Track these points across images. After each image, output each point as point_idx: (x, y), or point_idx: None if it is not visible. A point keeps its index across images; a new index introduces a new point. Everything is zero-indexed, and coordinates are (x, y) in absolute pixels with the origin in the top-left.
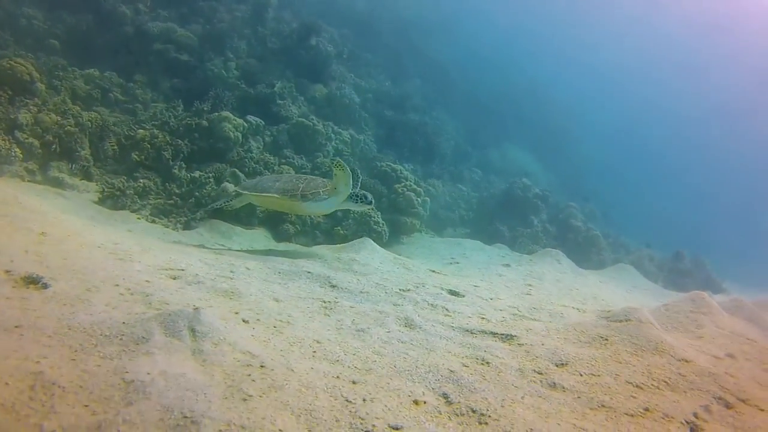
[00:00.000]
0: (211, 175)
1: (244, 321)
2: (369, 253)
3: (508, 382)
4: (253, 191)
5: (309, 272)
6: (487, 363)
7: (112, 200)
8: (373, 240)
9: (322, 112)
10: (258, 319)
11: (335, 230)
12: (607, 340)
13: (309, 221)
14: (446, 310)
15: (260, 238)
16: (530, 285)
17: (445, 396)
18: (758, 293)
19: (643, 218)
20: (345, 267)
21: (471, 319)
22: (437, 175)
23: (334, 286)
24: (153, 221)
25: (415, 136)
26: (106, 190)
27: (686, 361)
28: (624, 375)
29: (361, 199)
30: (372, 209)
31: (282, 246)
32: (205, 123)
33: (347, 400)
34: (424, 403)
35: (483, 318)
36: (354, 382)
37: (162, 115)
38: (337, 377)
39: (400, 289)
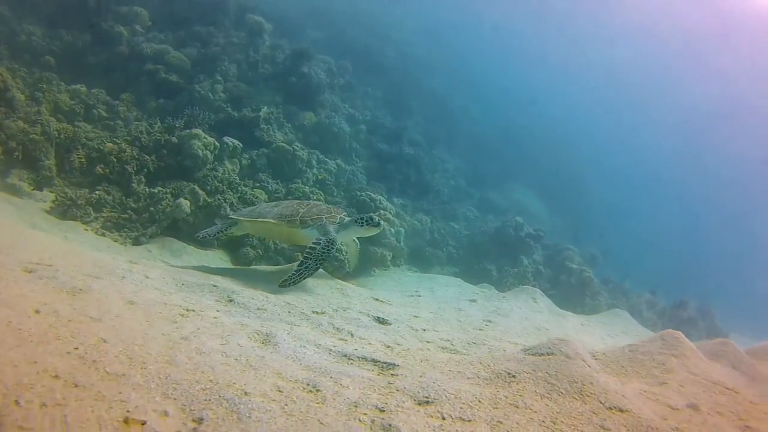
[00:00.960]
0: (168, 191)
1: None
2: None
3: (315, 418)
4: (248, 217)
5: (215, 286)
6: (316, 391)
7: (62, 210)
8: (334, 269)
9: (310, 140)
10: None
11: (296, 255)
12: (514, 377)
13: (272, 246)
14: (350, 335)
15: (214, 259)
16: (489, 321)
17: (198, 420)
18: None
19: (655, 264)
20: (261, 286)
21: (369, 346)
22: (427, 211)
23: (231, 301)
24: (102, 234)
25: (408, 171)
26: (58, 199)
27: (619, 411)
28: (510, 424)
29: (367, 221)
30: (380, 230)
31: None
32: (174, 140)
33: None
34: (142, 424)
35: (388, 347)
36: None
37: (135, 130)
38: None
39: (313, 311)
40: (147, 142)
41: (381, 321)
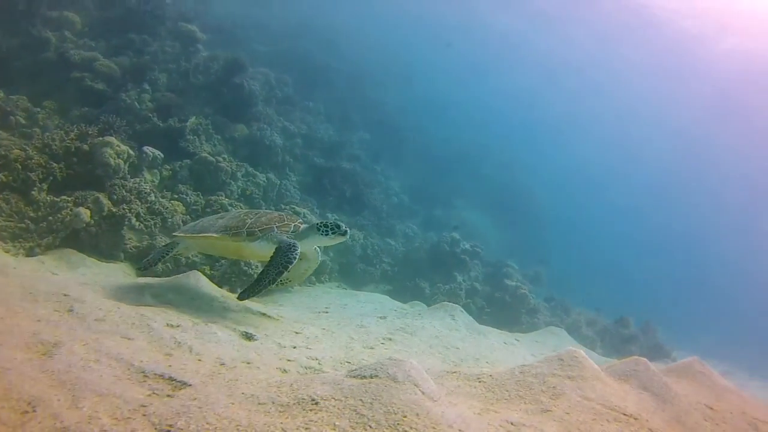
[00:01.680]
0: (71, 200)
1: None
2: (184, 287)
3: None
4: (190, 233)
5: (66, 295)
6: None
7: None
8: (242, 284)
9: (240, 153)
10: None
11: (202, 269)
12: (317, 404)
13: (183, 260)
14: (190, 349)
15: (115, 272)
16: (389, 339)
17: None
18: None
19: (605, 282)
20: (131, 298)
21: (196, 363)
22: (361, 227)
23: (70, 311)
24: None
25: (344, 186)
26: None
27: None
28: None
29: (331, 229)
30: (347, 239)
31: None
32: (86, 147)
33: None
34: None
35: (222, 364)
36: None
37: (48, 137)
38: None
39: (167, 324)
40: (58, 150)
41: (247, 337)
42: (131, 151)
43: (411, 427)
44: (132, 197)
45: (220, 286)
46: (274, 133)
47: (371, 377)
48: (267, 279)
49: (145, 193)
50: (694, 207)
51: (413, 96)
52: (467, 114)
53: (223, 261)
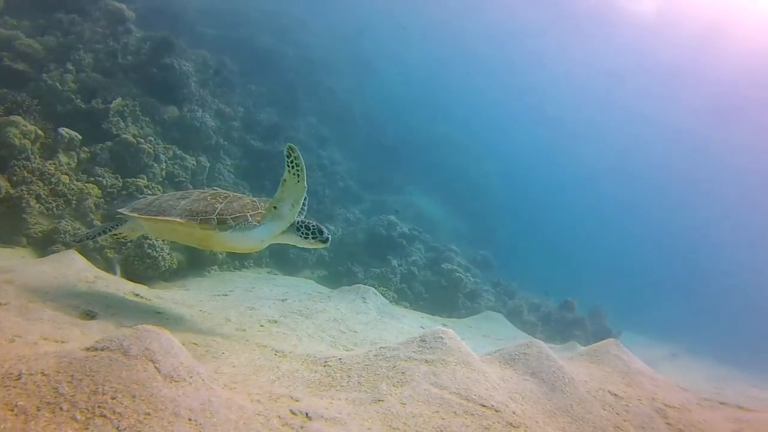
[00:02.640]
0: None
1: None
2: (49, 266)
3: None
4: (144, 214)
5: None
6: None
7: None
8: (146, 267)
9: (170, 135)
10: None
11: (106, 253)
12: (19, 379)
13: (128, 244)
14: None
15: (9, 258)
16: (275, 321)
17: None
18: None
19: (557, 268)
20: None
21: None
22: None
23: None
24: None
25: (281, 169)
26: None
27: None
28: None
29: (313, 233)
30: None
31: None
32: None
33: None
34: None
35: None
36: None
37: None
38: None
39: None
40: None
41: (88, 315)
42: (40, 132)
43: (115, 412)
44: (34, 179)
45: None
46: (206, 115)
47: (102, 349)
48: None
49: (49, 174)
50: (657, 192)
51: (367, 83)
52: (423, 101)
53: (129, 244)
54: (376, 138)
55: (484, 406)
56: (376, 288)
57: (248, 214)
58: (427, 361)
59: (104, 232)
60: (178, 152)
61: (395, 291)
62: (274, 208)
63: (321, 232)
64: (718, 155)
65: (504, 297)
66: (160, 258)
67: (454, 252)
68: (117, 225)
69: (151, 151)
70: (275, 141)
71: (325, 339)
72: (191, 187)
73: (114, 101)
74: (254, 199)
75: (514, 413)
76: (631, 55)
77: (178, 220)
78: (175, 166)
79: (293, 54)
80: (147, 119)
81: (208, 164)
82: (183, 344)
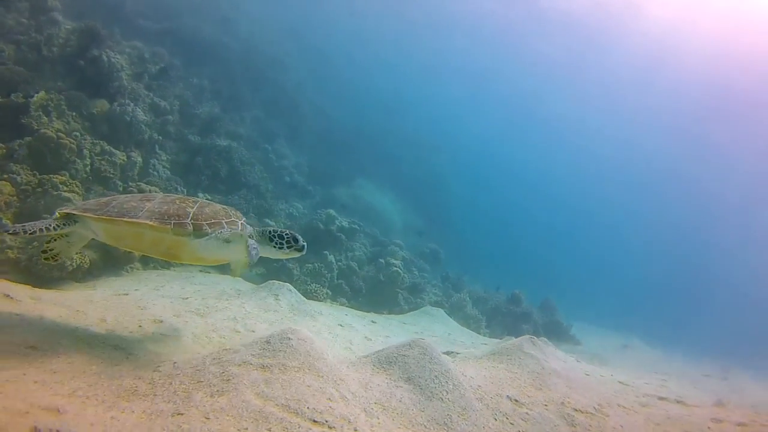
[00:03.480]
0: None
1: None
2: None
3: None
4: (105, 215)
5: None
6: None
7: None
8: (51, 267)
9: (99, 130)
10: None
11: (7, 253)
12: None
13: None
14: None
15: None
16: (160, 321)
17: None
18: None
19: (512, 261)
20: None
21: None
22: (234, 206)
23: None
24: None
25: (218, 164)
26: None
27: None
28: None
29: (288, 242)
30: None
31: None
32: None
33: None
34: None
35: None
36: None
37: None
38: None
39: None
40: None
41: None
42: None
43: None
44: None
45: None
46: (137, 109)
47: None
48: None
49: None
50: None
51: (319, 76)
52: (377, 94)
53: (35, 243)
54: (327, 131)
55: (315, 421)
56: (308, 284)
57: (223, 221)
58: (263, 366)
59: (47, 230)
60: (107, 147)
61: (330, 287)
62: (249, 239)
63: (296, 240)
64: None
65: (451, 291)
66: (64, 266)
67: (398, 246)
68: (64, 224)
69: (73, 146)
70: (213, 134)
71: (212, 340)
72: (119, 183)
73: (36, 95)
74: (225, 207)
75: (356, 430)
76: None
77: (148, 222)
78: (103, 162)
79: (238, 47)
80: (74, 114)
81: (140, 159)
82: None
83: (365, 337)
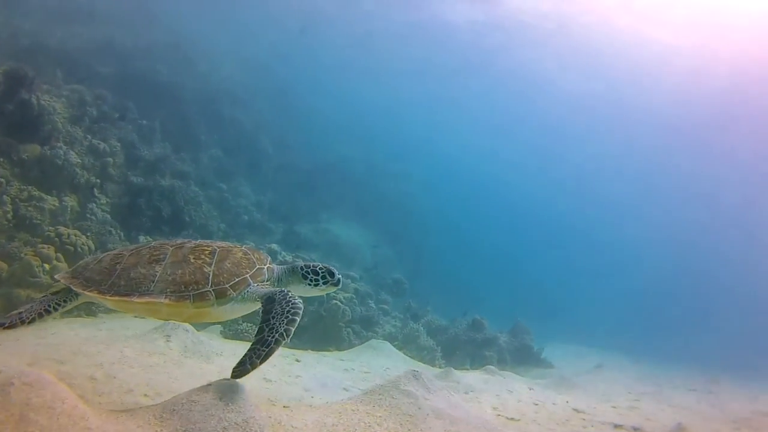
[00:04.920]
0: None
1: None
2: None
3: None
4: (114, 294)
5: None
6: None
7: None
8: None
9: (30, 176)
10: None
11: None
12: None
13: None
14: None
15: None
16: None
17: None
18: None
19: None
20: None
21: None
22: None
23: None
24: None
25: (161, 204)
26: None
27: None
28: None
29: (323, 277)
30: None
31: None
32: None
33: None
34: None
35: None
36: None
37: None
38: None
39: None
40: None
41: None
42: None
43: None
44: None
45: None
46: (70, 152)
47: None
48: (267, 348)
49: None
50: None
51: (279, 112)
52: (333, 123)
53: None
54: (290, 166)
55: None
56: (240, 324)
57: (248, 276)
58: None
59: (47, 312)
60: (35, 193)
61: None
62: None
63: (332, 275)
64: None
65: (410, 322)
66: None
67: (350, 278)
68: (65, 302)
69: None
70: (157, 175)
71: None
72: (45, 228)
73: None
74: (245, 249)
75: None
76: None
77: (163, 301)
78: (29, 208)
79: (194, 86)
80: (2, 159)
81: (75, 204)
82: None
83: (264, 379)
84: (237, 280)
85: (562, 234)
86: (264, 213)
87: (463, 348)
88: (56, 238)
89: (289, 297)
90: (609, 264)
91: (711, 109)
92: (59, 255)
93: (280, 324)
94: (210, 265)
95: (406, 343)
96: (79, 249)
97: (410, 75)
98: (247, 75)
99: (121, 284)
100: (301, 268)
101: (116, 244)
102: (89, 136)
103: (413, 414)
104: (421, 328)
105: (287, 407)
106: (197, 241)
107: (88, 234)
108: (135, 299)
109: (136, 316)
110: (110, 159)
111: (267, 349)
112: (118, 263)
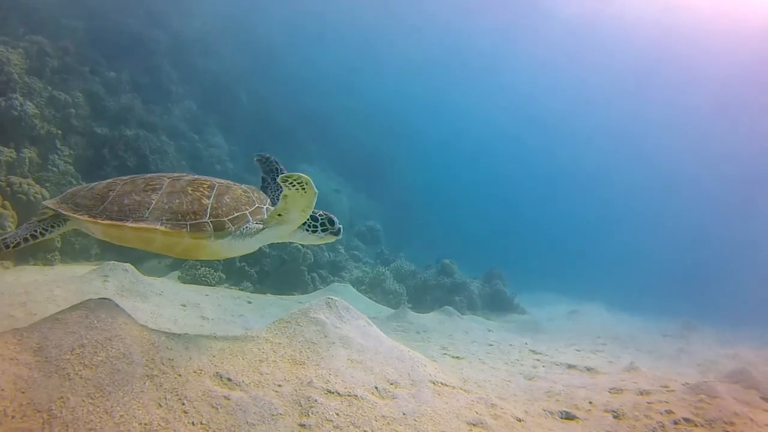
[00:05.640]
0: None
1: None
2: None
3: None
4: (104, 217)
5: None
6: None
7: None
8: None
9: None
10: None
11: None
12: None
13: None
14: None
15: None
16: None
17: None
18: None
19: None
20: None
21: None
22: None
23: None
24: None
25: (125, 154)
26: None
27: None
28: None
29: (323, 224)
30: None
31: None
32: None
33: None
34: None
35: None
36: None
37: None
38: None
39: None
40: None
41: None
42: None
43: None
44: None
45: None
46: (27, 103)
47: None
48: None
49: None
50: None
51: (257, 63)
52: (322, 73)
53: None
54: (268, 119)
55: None
56: (198, 268)
57: (247, 212)
58: None
59: (33, 238)
60: None
61: (225, 271)
62: (279, 215)
63: (332, 223)
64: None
65: (379, 267)
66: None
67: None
68: (52, 226)
69: None
70: (122, 125)
71: None
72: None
73: None
74: (244, 187)
75: None
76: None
77: (159, 227)
78: None
79: (167, 39)
80: None
81: (34, 155)
82: None
83: (201, 317)
84: (236, 214)
85: (556, 185)
86: (238, 164)
87: (432, 293)
88: (7, 188)
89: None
90: (601, 218)
91: None
92: (6, 203)
93: None
94: (209, 197)
95: (372, 287)
96: (32, 198)
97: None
98: (222, 27)
99: (114, 209)
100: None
101: None
102: (50, 88)
103: (316, 342)
104: (388, 273)
105: (179, 335)
106: (195, 176)
107: (47, 185)
108: (129, 224)
109: (96, 265)
110: (73, 110)
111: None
112: (111, 190)
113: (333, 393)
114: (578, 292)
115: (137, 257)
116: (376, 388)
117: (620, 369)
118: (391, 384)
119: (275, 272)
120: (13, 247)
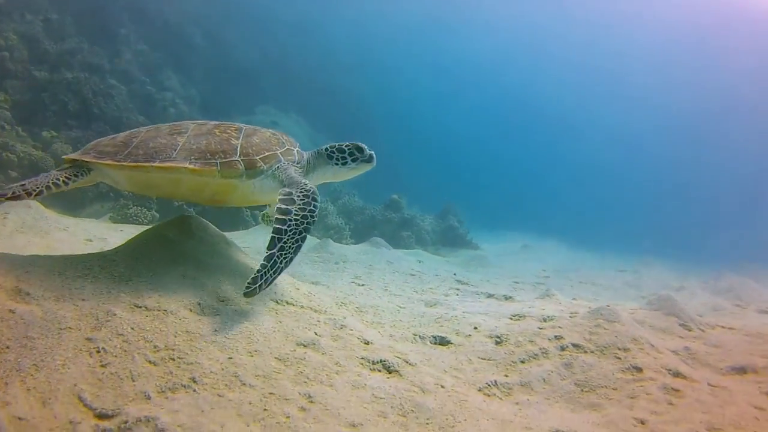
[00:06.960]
0: None
1: None
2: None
3: None
4: (130, 161)
5: None
6: None
7: None
8: None
9: None
10: None
11: None
12: None
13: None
14: None
15: None
16: None
17: None
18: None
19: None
20: None
21: None
22: (82, 141)
23: None
24: None
25: (65, 98)
26: None
27: None
28: None
29: (351, 154)
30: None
31: None
32: None
33: None
34: None
35: None
36: None
37: None
38: None
39: None
40: None
41: None
42: None
43: None
44: None
45: None
46: None
47: None
48: (285, 258)
49: None
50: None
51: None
52: (269, 12)
53: None
54: (226, 61)
55: None
56: (130, 208)
57: (278, 152)
58: None
59: (55, 186)
60: None
61: (159, 210)
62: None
63: (361, 151)
64: None
65: (327, 204)
66: None
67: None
68: (75, 175)
69: None
70: (64, 68)
71: None
72: None
73: None
74: (271, 130)
75: None
76: None
77: (187, 166)
78: None
79: None
80: None
81: None
82: None
83: (86, 240)
84: (267, 153)
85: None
86: (194, 107)
87: (379, 228)
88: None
89: (306, 202)
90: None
91: None
92: None
93: (291, 242)
94: (237, 138)
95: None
96: None
97: None
98: None
99: (139, 153)
100: (326, 149)
101: (13, 141)
102: None
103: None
104: (332, 207)
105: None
106: (220, 121)
107: None
108: (156, 164)
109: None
110: (7, 53)
111: (273, 272)
112: (134, 137)
113: (140, 307)
114: (540, 230)
115: (79, 203)
116: (199, 304)
117: (534, 297)
118: (221, 301)
119: (210, 207)
120: (35, 195)
